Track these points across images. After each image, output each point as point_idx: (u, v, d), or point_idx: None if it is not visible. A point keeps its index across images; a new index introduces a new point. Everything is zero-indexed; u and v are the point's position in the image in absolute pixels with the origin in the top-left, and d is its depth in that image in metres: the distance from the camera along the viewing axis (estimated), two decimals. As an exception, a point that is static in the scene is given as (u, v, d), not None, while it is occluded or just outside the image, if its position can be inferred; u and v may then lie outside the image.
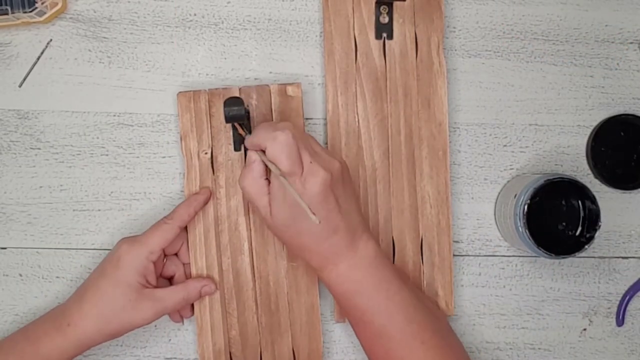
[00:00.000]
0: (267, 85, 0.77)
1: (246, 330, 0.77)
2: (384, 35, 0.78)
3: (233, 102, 0.69)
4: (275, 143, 0.66)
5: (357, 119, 0.78)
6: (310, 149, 0.67)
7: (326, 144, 0.78)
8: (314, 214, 0.64)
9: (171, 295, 0.73)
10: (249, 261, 0.77)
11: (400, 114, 0.78)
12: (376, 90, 0.78)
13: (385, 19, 0.78)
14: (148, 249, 0.72)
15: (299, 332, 0.77)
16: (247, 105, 0.75)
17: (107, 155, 0.79)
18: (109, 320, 0.71)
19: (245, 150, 0.75)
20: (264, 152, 0.67)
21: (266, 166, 0.68)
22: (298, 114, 0.77)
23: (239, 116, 0.70)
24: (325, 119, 0.78)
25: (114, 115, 0.79)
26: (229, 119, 0.70)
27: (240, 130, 0.73)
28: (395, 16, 0.78)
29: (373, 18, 0.78)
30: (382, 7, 0.78)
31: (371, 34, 0.78)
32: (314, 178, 0.66)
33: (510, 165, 0.82)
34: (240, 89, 0.77)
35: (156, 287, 0.73)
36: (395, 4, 0.77)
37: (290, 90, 0.77)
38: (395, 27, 0.78)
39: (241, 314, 0.77)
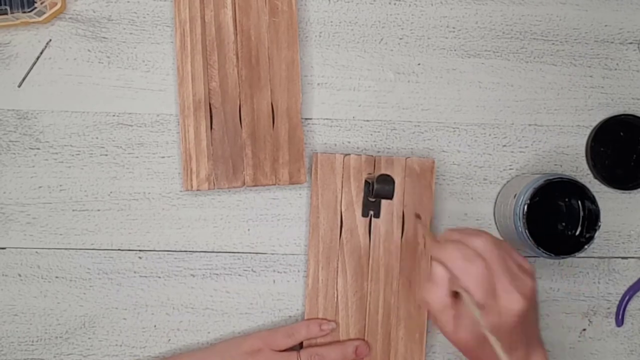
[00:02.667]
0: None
1: (226, 82, 0.77)
2: (371, 212, 0.77)
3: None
4: (470, 277, 0.62)
5: (336, 295, 0.77)
6: (506, 270, 0.62)
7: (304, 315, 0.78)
8: (504, 352, 0.60)
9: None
10: (231, 14, 0.77)
11: (380, 293, 0.77)
12: (358, 268, 0.77)
13: (373, 198, 0.77)
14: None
15: (278, 86, 0.78)
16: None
17: (106, 155, 0.79)
18: None
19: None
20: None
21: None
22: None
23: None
24: (306, 286, 0.78)
25: (114, 115, 0.79)
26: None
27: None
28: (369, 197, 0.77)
29: (362, 194, 0.77)
30: (370, 186, 0.76)
31: (358, 210, 0.77)
32: (509, 310, 0.61)
33: (510, 165, 0.82)
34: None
35: None
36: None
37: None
38: (383, 205, 0.78)
39: (222, 66, 0.77)
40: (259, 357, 0.74)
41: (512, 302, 0.62)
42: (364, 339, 0.77)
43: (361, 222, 0.78)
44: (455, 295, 0.64)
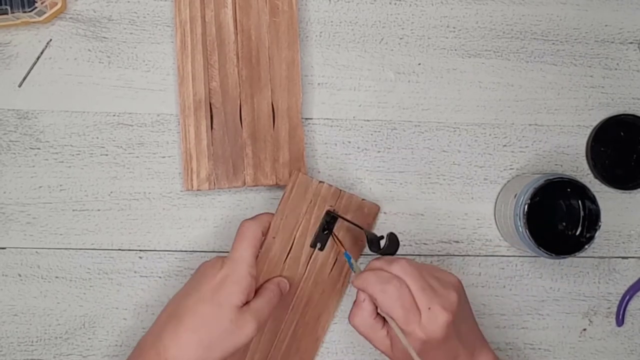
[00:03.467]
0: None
1: (227, 82, 0.77)
2: (318, 245, 0.76)
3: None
4: (386, 297, 0.64)
5: None
6: (425, 288, 0.65)
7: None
8: None
9: (263, 302, 0.69)
10: (232, 14, 0.77)
11: (293, 322, 0.76)
12: (287, 296, 0.75)
13: (325, 230, 0.76)
14: (247, 264, 0.68)
15: (278, 86, 0.78)
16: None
17: (106, 155, 0.79)
18: (211, 346, 0.66)
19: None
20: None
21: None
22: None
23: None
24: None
25: (114, 115, 0.79)
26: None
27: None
28: (335, 230, 0.76)
29: (317, 224, 0.76)
30: (328, 218, 0.76)
31: (308, 240, 0.76)
32: (433, 325, 0.64)
33: (510, 165, 0.82)
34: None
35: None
36: (340, 222, 0.76)
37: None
38: (330, 240, 0.76)
39: (222, 66, 0.77)
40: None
41: (434, 319, 0.64)
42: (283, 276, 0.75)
43: (306, 251, 0.76)
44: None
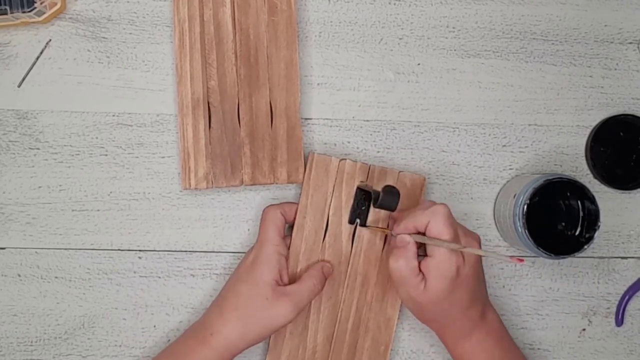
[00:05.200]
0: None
1: (225, 81, 0.77)
2: (358, 221, 0.77)
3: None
4: (439, 217, 0.68)
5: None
6: (457, 225, 0.71)
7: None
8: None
9: (303, 287, 0.73)
10: (230, 13, 0.77)
11: (353, 301, 0.77)
12: (336, 274, 0.77)
13: (362, 205, 0.77)
14: (272, 243, 0.73)
15: (277, 85, 0.78)
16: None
17: (106, 155, 0.79)
18: (250, 322, 0.71)
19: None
20: (419, 233, 0.70)
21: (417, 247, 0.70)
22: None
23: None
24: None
25: (113, 115, 0.79)
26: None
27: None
28: (372, 205, 0.77)
29: (351, 201, 0.77)
30: (362, 193, 0.76)
31: (345, 216, 0.77)
32: (471, 256, 0.70)
33: (510, 165, 0.82)
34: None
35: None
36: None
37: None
38: (370, 215, 0.77)
39: (220, 65, 0.77)
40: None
41: (471, 243, 0.71)
42: (326, 261, 0.77)
43: (346, 228, 0.77)
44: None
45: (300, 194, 0.77)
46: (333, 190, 0.77)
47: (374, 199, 0.72)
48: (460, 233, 0.70)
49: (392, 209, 0.71)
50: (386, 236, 0.77)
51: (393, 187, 0.71)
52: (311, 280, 0.74)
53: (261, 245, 0.74)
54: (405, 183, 0.78)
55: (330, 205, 0.77)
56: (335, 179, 0.77)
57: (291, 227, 0.77)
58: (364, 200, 0.77)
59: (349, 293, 0.77)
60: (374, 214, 0.77)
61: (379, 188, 0.73)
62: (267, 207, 0.76)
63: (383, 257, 0.77)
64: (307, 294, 0.73)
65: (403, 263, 0.69)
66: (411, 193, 0.78)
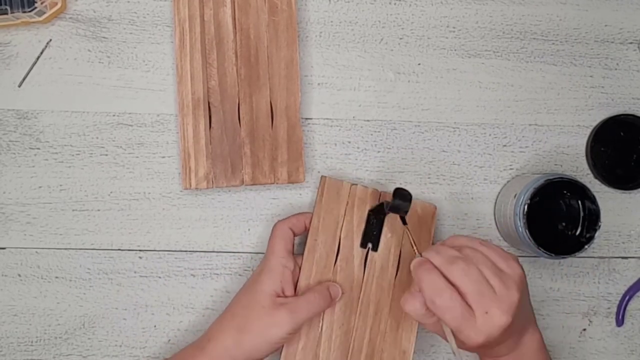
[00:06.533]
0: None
1: (225, 81, 0.77)
2: (369, 245, 0.76)
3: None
4: (436, 308, 0.63)
5: (321, 325, 0.75)
6: (485, 291, 0.63)
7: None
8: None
9: (302, 300, 0.72)
10: (231, 13, 0.77)
11: (366, 330, 0.75)
12: (348, 300, 0.75)
13: (374, 230, 0.76)
14: (278, 256, 0.73)
15: (277, 85, 0.78)
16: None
17: (106, 155, 0.79)
18: (245, 330, 0.70)
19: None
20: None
21: None
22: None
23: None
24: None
25: (114, 115, 0.79)
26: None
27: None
28: (384, 229, 0.76)
29: (363, 225, 0.76)
30: (373, 217, 0.76)
31: (357, 241, 0.76)
32: (490, 328, 0.62)
33: (510, 165, 0.82)
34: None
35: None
36: (388, 218, 0.76)
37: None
38: (382, 240, 0.76)
39: (221, 64, 0.77)
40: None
41: (490, 321, 0.62)
42: (333, 282, 0.75)
43: (358, 252, 0.76)
44: None
45: (312, 217, 0.76)
46: (345, 214, 0.76)
47: (385, 206, 0.71)
48: (480, 311, 0.62)
49: (404, 212, 0.70)
50: (399, 263, 0.76)
51: (404, 190, 0.70)
52: (313, 295, 0.72)
53: (267, 258, 0.74)
54: (417, 210, 0.77)
55: (342, 228, 0.76)
56: (347, 202, 0.76)
57: (303, 245, 0.76)
58: (376, 224, 0.76)
59: (362, 321, 0.75)
60: (386, 239, 0.76)
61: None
62: (277, 222, 0.75)
63: (396, 285, 0.76)
64: (307, 307, 0.71)
65: (410, 309, 0.66)
66: (422, 221, 0.77)
